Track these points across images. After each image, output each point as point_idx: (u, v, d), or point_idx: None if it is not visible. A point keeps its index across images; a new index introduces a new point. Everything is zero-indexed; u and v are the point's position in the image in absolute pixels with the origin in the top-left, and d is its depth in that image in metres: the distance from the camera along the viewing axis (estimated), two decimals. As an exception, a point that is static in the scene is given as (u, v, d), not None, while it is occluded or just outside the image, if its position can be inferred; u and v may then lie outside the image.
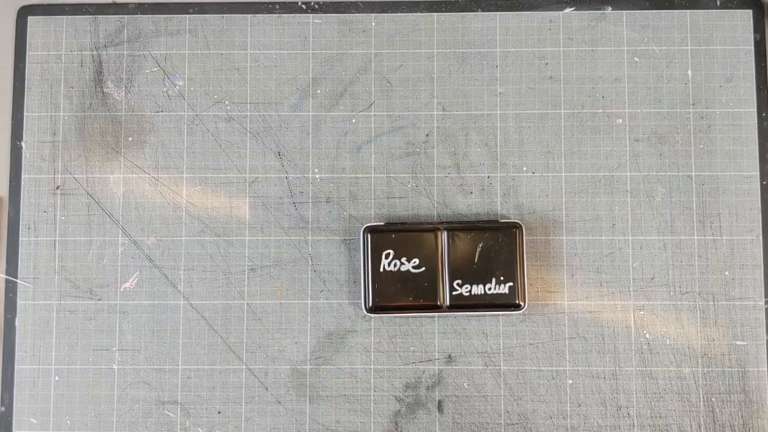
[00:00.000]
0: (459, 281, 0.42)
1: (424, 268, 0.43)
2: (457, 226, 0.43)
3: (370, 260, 0.43)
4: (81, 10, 0.47)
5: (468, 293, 0.42)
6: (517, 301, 0.42)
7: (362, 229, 0.43)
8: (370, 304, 0.43)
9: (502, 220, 0.44)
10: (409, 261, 0.43)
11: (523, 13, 0.46)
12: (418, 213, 0.45)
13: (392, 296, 0.42)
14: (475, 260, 0.42)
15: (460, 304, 0.42)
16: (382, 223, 0.44)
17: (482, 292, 0.42)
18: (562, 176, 0.45)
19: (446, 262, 0.43)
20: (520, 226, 0.43)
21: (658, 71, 0.46)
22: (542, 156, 0.45)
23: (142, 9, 0.47)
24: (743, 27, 0.46)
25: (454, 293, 0.42)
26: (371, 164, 0.45)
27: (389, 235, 0.43)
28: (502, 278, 0.42)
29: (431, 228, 0.43)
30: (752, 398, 0.43)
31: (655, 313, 0.44)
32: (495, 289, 0.42)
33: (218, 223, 0.45)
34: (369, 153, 0.46)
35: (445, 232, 0.43)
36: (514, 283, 0.42)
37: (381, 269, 0.42)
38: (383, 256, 0.42)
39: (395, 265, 0.42)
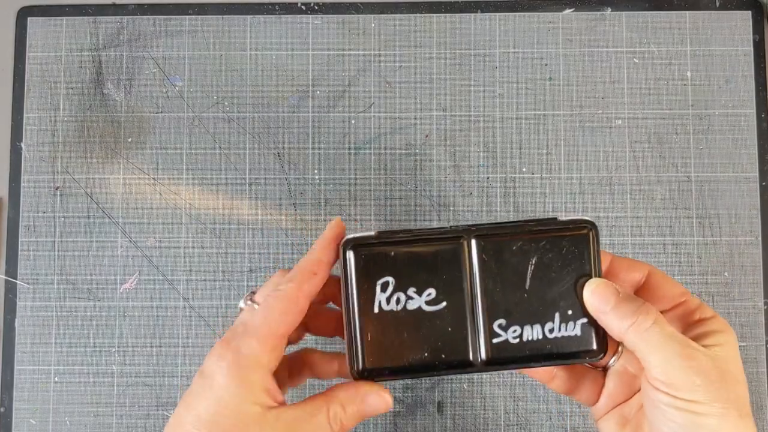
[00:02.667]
0: (502, 321, 0.28)
1: (444, 304, 0.28)
2: (493, 231, 0.29)
3: (355, 295, 0.28)
4: (81, 11, 0.47)
5: (517, 339, 0.28)
6: (593, 347, 0.28)
7: (341, 244, 0.29)
8: (360, 366, 0.29)
9: (563, 218, 0.29)
10: (419, 293, 0.28)
11: (523, 14, 0.46)
12: (417, 214, 0.45)
13: (395, 352, 0.28)
14: (527, 285, 0.28)
15: (505, 358, 0.28)
16: (373, 233, 0.29)
17: (540, 336, 0.28)
18: (561, 177, 0.45)
19: (479, 291, 0.29)
20: (594, 225, 0.29)
21: (658, 72, 0.46)
22: (542, 157, 0.45)
23: (141, 10, 0.47)
24: (742, 28, 0.46)
25: (495, 341, 0.28)
26: (371, 165, 0.45)
27: (386, 252, 0.28)
28: (570, 312, 0.28)
29: (452, 236, 0.29)
30: (751, 399, 0.43)
31: (655, 314, 0.44)
32: (560, 330, 0.28)
33: (217, 223, 0.45)
34: (368, 154, 0.46)
35: (475, 242, 0.28)
36: (589, 317, 0.28)
37: (375, 309, 0.28)
38: (377, 288, 0.28)
39: (398, 300, 0.28)
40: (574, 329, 0.28)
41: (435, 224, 0.45)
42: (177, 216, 0.45)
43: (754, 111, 0.45)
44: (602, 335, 0.29)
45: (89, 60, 0.46)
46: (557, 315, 0.28)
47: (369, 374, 0.29)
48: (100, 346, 0.44)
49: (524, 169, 0.45)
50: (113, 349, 0.44)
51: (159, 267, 0.45)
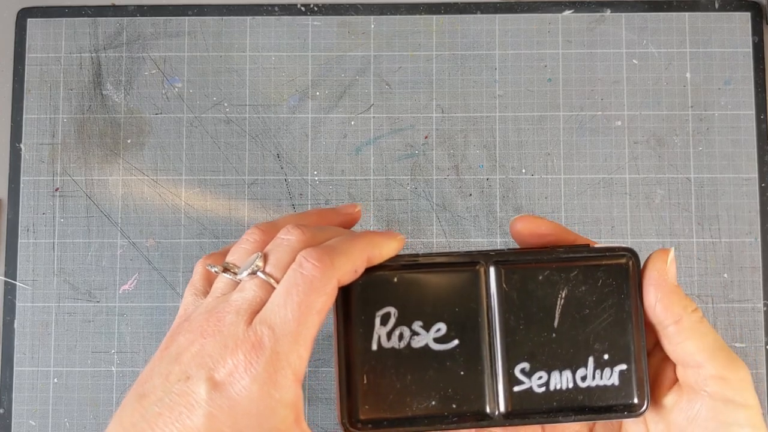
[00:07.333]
0: (525, 365, 0.25)
1: (456, 342, 0.25)
2: (516, 257, 0.25)
3: (350, 329, 0.25)
4: (80, 12, 0.47)
5: (543, 388, 0.25)
6: (634, 400, 0.25)
7: None
8: (354, 416, 0.24)
9: (598, 245, 0.26)
10: (427, 328, 0.25)
11: (522, 15, 0.46)
12: (417, 215, 0.45)
13: (396, 399, 0.24)
14: (555, 323, 0.25)
15: (528, 410, 0.25)
16: None
17: (570, 385, 0.25)
18: (561, 178, 0.45)
19: (498, 328, 0.25)
20: (635, 254, 0.26)
21: (657, 73, 0.46)
22: (541, 158, 0.45)
23: (141, 11, 0.47)
24: (742, 29, 0.46)
25: (516, 389, 0.25)
26: (370, 166, 0.45)
27: (387, 278, 0.25)
28: (606, 357, 0.25)
29: (467, 262, 0.25)
30: (751, 400, 0.43)
31: (654, 315, 0.44)
32: (594, 378, 0.25)
33: (217, 225, 0.45)
34: (368, 155, 0.46)
35: (494, 270, 0.25)
36: (629, 363, 0.25)
37: (373, 346, 0.24)
38: (377, 320, 0.24)
39: (400, 336, 0.25)
40: (611, 377, 0.24)
41: (434, 226, 0.45)
42: (176, 217, 0.45)
43: (754, 112, 0.45)
44: (645, 384, 0.25)
45: (89, 61, 0.46)
46: (591, 360, 0.24)
47: (363, 426, 0.24)
48: (100, 348, 0.44)
49: (524, 170, 0.45)
50: (112, 351, 0.44)
51: (158, 268, 0.45)
